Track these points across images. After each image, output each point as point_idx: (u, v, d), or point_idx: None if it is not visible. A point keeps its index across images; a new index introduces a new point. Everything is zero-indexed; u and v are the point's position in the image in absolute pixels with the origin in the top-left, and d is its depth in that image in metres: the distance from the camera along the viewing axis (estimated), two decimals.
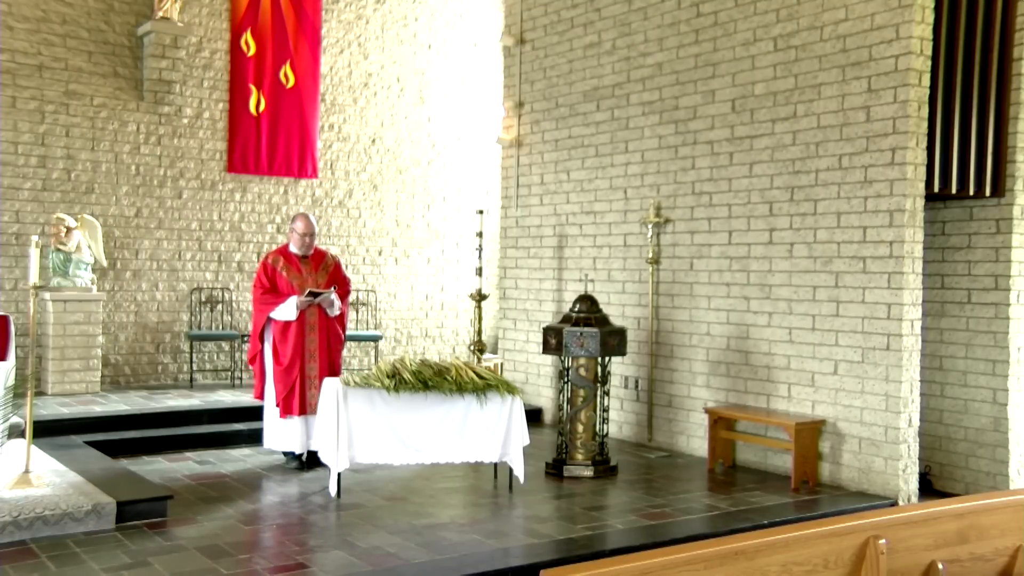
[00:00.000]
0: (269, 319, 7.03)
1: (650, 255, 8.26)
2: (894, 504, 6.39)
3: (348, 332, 7.75)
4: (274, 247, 10.51)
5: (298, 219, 7.21)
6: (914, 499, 6.57)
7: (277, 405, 7.00)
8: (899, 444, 6.55)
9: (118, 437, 7.56)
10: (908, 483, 6.60)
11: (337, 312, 7.13)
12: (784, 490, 6.76)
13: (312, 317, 7.03)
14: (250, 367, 7.43)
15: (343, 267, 7.45)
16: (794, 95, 7.21)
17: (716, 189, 7.79)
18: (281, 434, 7.05)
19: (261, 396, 7.22)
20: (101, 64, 9.69)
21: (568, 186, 9.24)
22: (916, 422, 6.66)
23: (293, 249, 7.20)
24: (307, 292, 6.92)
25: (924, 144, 6.60)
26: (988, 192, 6.94)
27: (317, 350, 7.04)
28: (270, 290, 7.04)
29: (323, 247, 7.56)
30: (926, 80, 6.58)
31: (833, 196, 6.95)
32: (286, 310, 6.94)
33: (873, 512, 3.89)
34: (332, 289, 7.06)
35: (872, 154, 6.71)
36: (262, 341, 7.13)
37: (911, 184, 6.55)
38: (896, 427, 6.56)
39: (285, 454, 7.20)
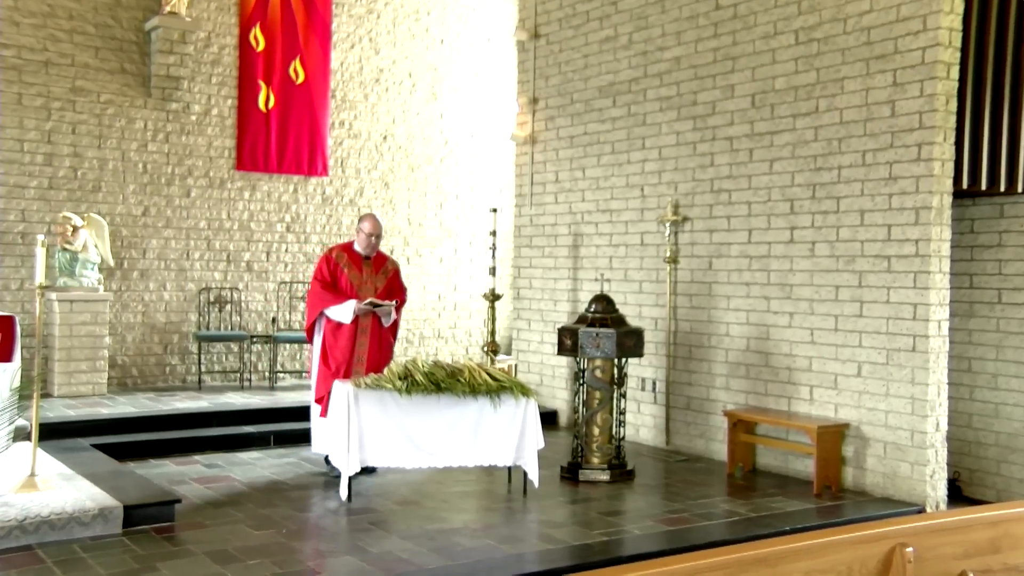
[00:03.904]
0: (321, 314, 6.90)
1: (668, 254, 8.12)
2: (921, 511, 6.23)
3: None
4: (284, 246, 10.47)
5: (366, 219, 7.09)
6: (942, 506, 6.41)
7: (317, 402, 6.86)
8: (926, 449, 6.38)
9: (125, 440, 7.50)
10: (936, 489, 6.42)
11: (391, 322, 7.02)
12: (806, 495, 6.62)
13: (365, 321, 6.89)
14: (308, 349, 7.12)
15: (401, 275, 7.30)
16: (816, 89, 7.05)
17: (735, 186, 7.64)
18: (323, 436, 6.80)
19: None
20: (108, 60, 9.59)
21: (583, 184, 9.10)
22: (944, 426, 6.49)
23: (358, 248, 7.08)
24: (368, 301, 6.80)
25: (952, 139, 6.44)
26: (1020, 188, 6.75)
27: (366, 355, 6.89)
28: (330, 285, 6.92)
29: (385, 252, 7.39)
30: (955, 73, 6.41)
31: (856, 193, 6.79)
32: (343, 312, 6.80)
33: (900, 519, 3.78)
34: (393, 302, 6.94)
35: (897, 150, 6.55)
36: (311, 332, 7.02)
37: (938, 180, 6.38)
38: (923, 431, 6.39)
39: (327, 460, 6.86)
